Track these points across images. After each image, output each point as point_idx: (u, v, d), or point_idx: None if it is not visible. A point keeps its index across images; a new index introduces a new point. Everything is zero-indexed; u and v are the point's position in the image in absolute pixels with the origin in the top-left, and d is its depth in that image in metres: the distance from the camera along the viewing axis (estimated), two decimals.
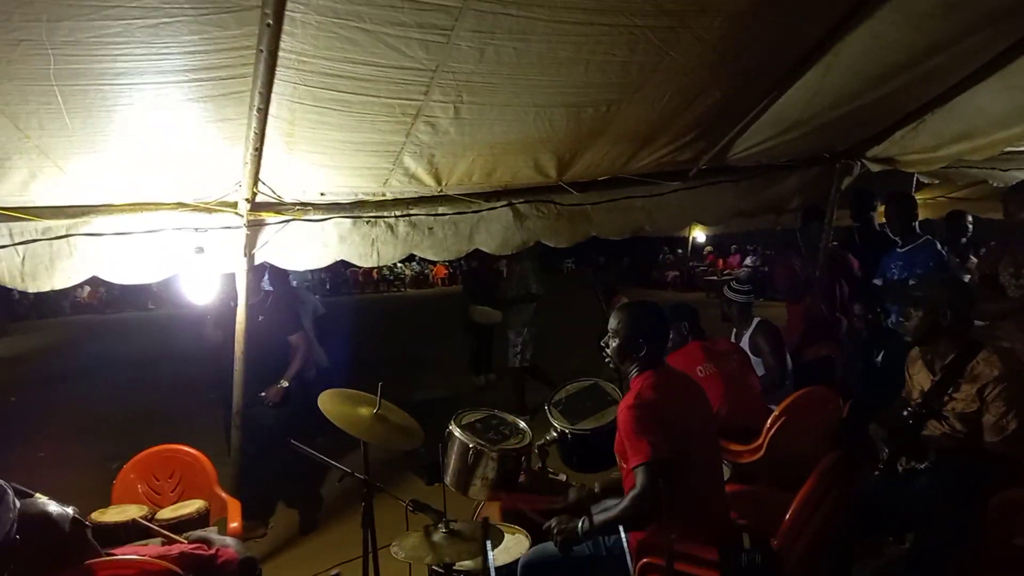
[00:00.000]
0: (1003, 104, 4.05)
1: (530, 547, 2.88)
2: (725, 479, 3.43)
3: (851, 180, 4.99)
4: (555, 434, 3.46)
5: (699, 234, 17.79)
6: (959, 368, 2.88)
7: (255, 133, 2.90)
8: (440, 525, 2.67)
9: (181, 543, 2.58)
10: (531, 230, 4.18)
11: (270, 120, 2.89)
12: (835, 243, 5.68)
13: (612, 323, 2.77)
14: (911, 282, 4.12)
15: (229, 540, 2.72)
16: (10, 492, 2.16)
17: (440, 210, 3.90)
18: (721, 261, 23.38)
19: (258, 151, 3.02)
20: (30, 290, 3.20)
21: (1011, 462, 2.73)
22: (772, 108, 3.85)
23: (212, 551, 2.51)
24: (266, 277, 5.04)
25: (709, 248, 23.66)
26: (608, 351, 2.79)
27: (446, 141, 3.26)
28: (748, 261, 21.26)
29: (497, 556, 2.86)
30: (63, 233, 3.19)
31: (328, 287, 29.92)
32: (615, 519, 2.43)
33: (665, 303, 4.38)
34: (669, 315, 4.24)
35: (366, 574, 2.60)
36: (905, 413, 2.94)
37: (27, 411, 8.79)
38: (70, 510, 2.29)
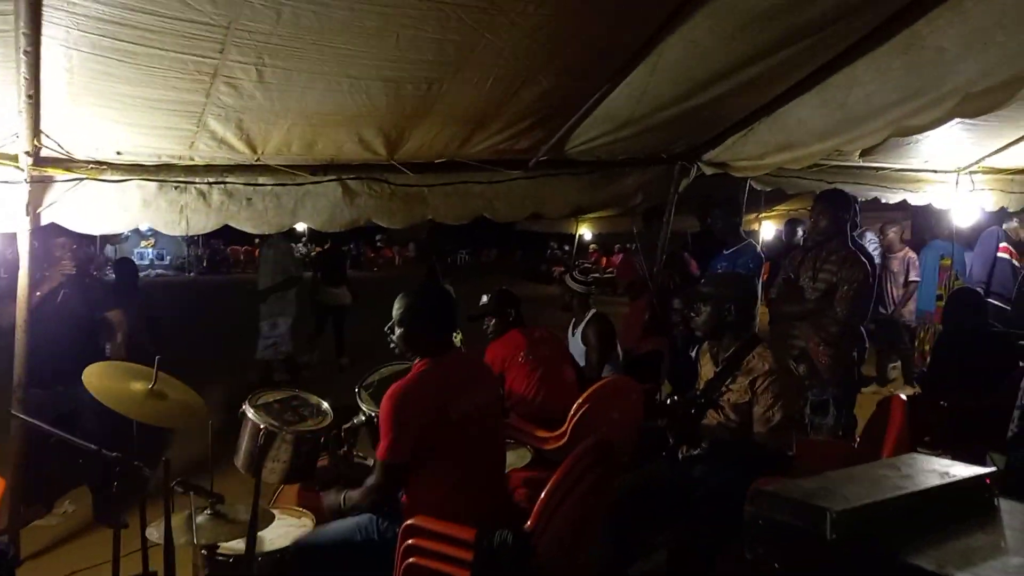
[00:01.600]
0: (820, 119, 4.27)
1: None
2: (525, 463, 3.49)
3: (688, 182, 5.17)
4: (363, 417, 3.39)
5: (586, 231, 18.23)
6: (737, 361, 3.03)
7: (25, 79, 2.65)
8: (206, 507, 2.56)
9: None
10: (362, 208, 4.05)
11: (45, 66, 2.63)
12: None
13: (395, 310, 2.72)
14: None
15: None
16: None
17: (260, 180, 3.71)
18: (605, 259, 23.99)
19: (32, 98, 2.76)
20: None
21: (775, 452, 2.90)
22: (604, 104, 3.90)
23: None
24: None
25: (594, 246, 24.22)
26: (393, 338, 2.76)
27: (253, 106, 3.10)
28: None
29: (275, 540, 2.77)
30: None
31: (205, 265, 28.35)
32: (356, 503, 2.49)
33: (493, 290, 4.42)
34: (496, 301, 4.29)
35: (116, 560, 2.43)
36: (686, 403, 3.07)
37: None
38: None
